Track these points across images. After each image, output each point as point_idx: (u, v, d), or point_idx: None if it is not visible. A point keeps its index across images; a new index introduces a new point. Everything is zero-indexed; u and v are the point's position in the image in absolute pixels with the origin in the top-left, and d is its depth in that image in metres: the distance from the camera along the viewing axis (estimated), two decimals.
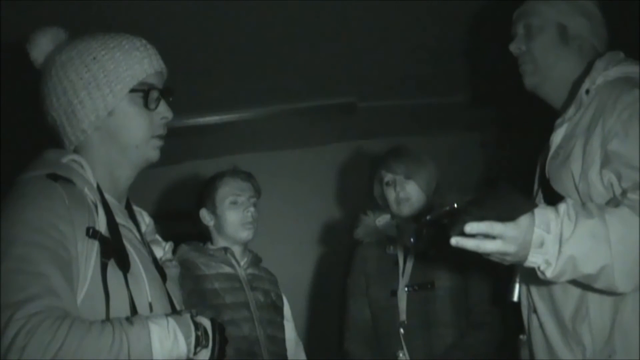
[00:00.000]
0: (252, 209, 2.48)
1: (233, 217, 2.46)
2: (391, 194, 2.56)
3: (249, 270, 2.48)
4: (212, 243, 2.52)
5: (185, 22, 2.65)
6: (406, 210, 2.53)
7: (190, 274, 2.35)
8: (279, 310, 2.51)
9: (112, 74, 1.41)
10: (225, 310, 2.33)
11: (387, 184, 2.58)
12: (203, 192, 2.53)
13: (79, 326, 1.15)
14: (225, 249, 2.46)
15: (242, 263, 2.48)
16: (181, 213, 2.59)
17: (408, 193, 2.53)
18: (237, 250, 2.48)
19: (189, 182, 2.77)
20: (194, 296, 2.31)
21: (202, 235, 2.55)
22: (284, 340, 2.47)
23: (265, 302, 2.44)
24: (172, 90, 1.51)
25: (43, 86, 1.45)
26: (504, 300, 1.91)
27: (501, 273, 1.88)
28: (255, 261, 2.54)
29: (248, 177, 2.55)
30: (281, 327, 2.48)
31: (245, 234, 2.46)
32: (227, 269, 2.43)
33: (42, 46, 1.47)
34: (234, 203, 2.47)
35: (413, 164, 2.56)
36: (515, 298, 1.86)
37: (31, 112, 1.53)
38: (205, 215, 2.51)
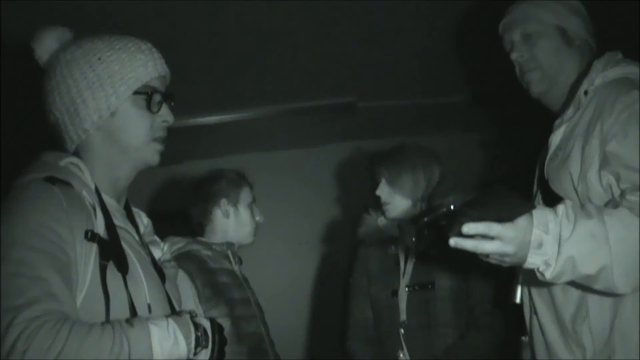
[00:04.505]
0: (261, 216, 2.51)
1: (249, 221, 2.47)
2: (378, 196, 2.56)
3: (239, 270, 2.49)
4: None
5: (185, 22, 2.65)
6: (390, 213, 2.51)
7: (199, 266, 2.32)
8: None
9: (116, 75, 1.41)
10: (236, 306, 2.32)
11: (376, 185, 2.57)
12: (222, 184, 2.47)
13: (79, 329, 1.16)
14: (229, 244, 2.44)
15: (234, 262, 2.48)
16: (180, 213, 2.57)
17: (387, 197, 2.50)
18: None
19: (188, 182, 2.77)
20: (207, 288, 2.28)
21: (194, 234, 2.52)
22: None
23: (258, 302, 2.45)
24: (174, 95, 1.52)
25: (46, 84, 1.45)
26: (505, 301, 1.91)
27: (502, 274, 1.88)
28: (240, 262, 2.54)
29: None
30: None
31: (251, 239, 2.50)
32: (228, 265, 2.42)
33: (47, 44, 1.47)
34: (252, 208, 2.49)
35: (395, 169, 2.50)
36: (518, 300, 1.86)
37: (31, 113, 1.53)
38: (225, 204, 2.44)
